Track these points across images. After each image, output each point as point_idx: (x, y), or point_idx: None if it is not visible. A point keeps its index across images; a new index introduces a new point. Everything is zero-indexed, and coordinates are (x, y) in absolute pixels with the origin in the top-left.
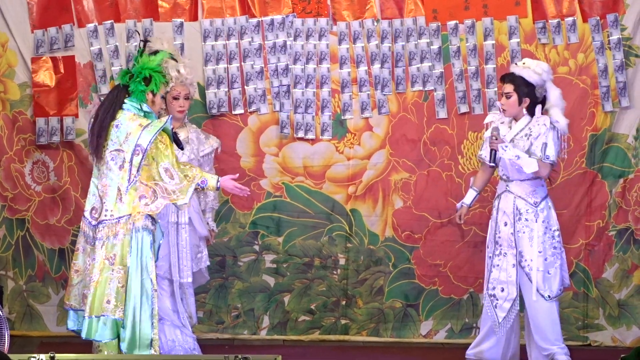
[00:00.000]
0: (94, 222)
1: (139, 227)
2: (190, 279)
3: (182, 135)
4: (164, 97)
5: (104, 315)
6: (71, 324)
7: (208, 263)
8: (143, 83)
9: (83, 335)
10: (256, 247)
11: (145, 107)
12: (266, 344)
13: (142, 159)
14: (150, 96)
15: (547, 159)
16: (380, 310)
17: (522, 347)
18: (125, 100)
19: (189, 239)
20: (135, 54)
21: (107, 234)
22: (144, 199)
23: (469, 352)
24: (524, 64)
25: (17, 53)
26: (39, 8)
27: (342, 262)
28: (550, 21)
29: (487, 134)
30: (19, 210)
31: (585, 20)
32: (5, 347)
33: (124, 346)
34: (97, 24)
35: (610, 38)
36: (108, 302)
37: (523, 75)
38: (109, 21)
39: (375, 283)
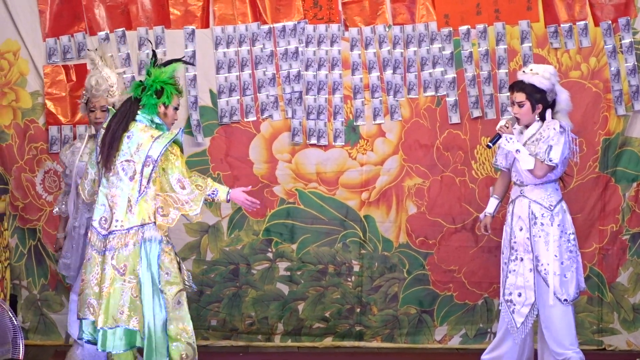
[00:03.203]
0: (103, 232)
1: (148, 237)
2: None
3: None
4: (176, 109)
5: (118, 326)
6: (83, 333)
7: None
8: (155, 96)
9: (99, 347)
10: (270, 255)
11: (157, 120)
12: (280, 351)
13: (152, 170)
14: (162, 109)
15: (550, 161)
16: (394, 316)
17: (535, 351)
18: (138, 112)
19: None
20: (147, 66)
21: (117, 245)
22: (160, 210)
23: (484, 357)
24: (531, 70)
25: (29, 61)
26: (51, 16)
27: (356, 268)
28: (562, 25)
29: (502, 122)
30: (30, 220)
31: (597, 24)
32: (20, 356)
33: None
34: (108, 31)
35: (622, 42)
36: (121, 312)
37: (533, 83)
38: (121, 29)
39: (390, 290)
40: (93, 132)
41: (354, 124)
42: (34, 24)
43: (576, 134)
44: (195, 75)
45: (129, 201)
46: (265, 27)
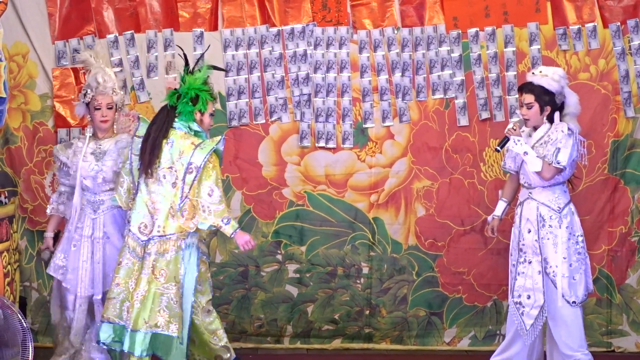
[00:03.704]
0: (143, 238)
1: (188, 243)
2: (100, 296)
3: (104, 147)
4: (212, 115)
5: (154, 332)
6: (104, 336)
7: None
8: (190, 103)
9: (125, 348)
10: (279, 257)
11: (195, 127)
12: (290, 353)
13: (195, 177)
14: (198, 115)
15: (558, 163)
16: (404, 319)
17: (544, 353)
18: (175, 120)
19: (107, 255)
20: (181, 73)
21: (158, 250)
22: (185, 213)
23: (493, 359)
24: (540, 72)
25: (37, 64)
26: (60, 19)
27: (365, 270)
28: (570, 27)
29: (510, 125)
30: (39, 222)
31: (605, 26)
32: (30, 358)
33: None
34: (117, 34)
35: (631, 43)
36: (161, 317)
37: (542, 85)
38: (130, 31)
39: (399, 292)
40: (91, 132)
41: (363, 126)
42: (43, 26)
43: (585, 136)
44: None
45: (171, 207)
46: (274, 30)
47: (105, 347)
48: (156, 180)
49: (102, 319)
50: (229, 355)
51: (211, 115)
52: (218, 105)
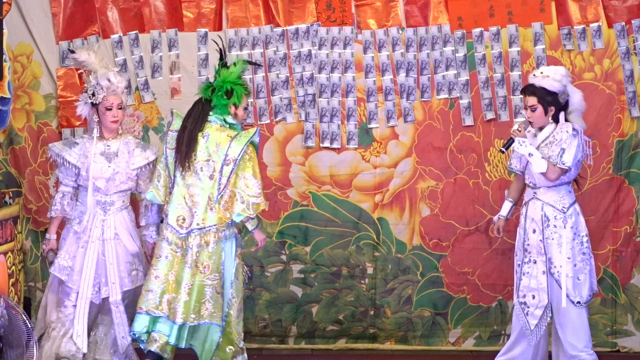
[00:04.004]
0: (182, 231)
1: (227, 235)
2: (119, 297)
3: (112, 148)
4: (246, 109)
5: (200, 323)
6: (140, 327)
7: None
8: (225, 97)
9: (172, 341)
10: (283, 257)
11: (230, 119)
12: (294, 353)
13: (232, 169)
14: (232, 109)
15: (563, 164)
16: (408, 319)
17: (549, 353)
18: (210, 113)
19: (119, 256)
20: (216, 67)
21: (200, 243)
22: (223, 204)
23: (498, 359)
24: (542, 73)
25: (42, 64)
26: (64, 19)
27: (369, 271)
28: (575, 27)
29: (515, 126)
30: (44, 223)
31: (610, 25)
32: (34, 358)
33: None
34: (121, 34)
35: (636, 43)
36: (206, 309)
37: (544, 86)
38: (134, 32)
39: (404, 292)
40: (98, 132)
41: (367, 126)
42: (47, 27)
43: (590, 136)
44: (208, 78)
45: (209, 200)
46: (279, 30)
47: (135, 337)
48: (193, 173)
49: (138, 310)
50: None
51: (245, 109)
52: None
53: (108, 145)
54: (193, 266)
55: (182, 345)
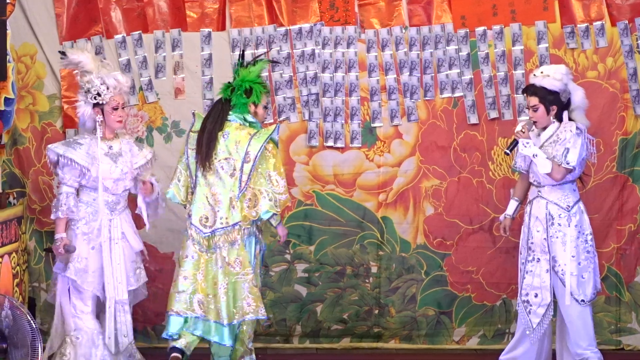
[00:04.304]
0: (206, 231)
1: (250, 232)
2: (125, 296)
3: (115, 148)
4: (266, 107)
5: (245, 319)
6: (175, 329)
7: (146, 279)
8: (244, 95)
9: (225, 341)
10: (288, 257)
11: (249, 118)
12: (299, 352)
13: (252, 166)
14: (252, 107)
15: (568, 164)
16: (413, 318)
17: (553, 351)
18: (230, 112)
19: (125, 255)
20: (236, 67)
21: (226, 240)
22: (247, 202)
23: (502, 357)
24: (542, 72)
25: (45, 65)
26: (67, 20)
27: (374, 270)
28: (578, 26)
29: (519, 127)
30: (48, 223)
31: (613, 24)
32: (39, 359)
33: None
34: (125, 34)
35: (639, 41)
36: (247, 305)
37: (545, 85)
38: (137, 32)
39: (408, 291)
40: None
41: (371, 125)
42: (50, 27)
43: (593, 134)
44: (211, 78)
45: (232, 198)
46: (282, 30)
47: (170, 339)
48: (214, 173)
49: (169, 312)
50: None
51: (265, 107)
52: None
53: (110, 146)
54: (225, 266)
55: (230, 343)
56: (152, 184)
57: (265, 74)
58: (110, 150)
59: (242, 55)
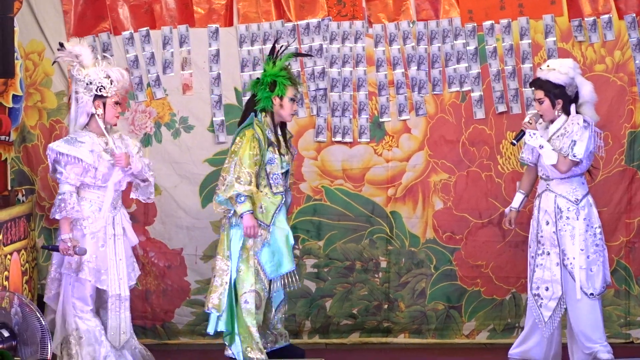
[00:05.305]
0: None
1: (233, 222)
2: (128, 292)
3: (109, 144)
4: (293, 100)
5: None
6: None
7: (139, 272)
8: (268, 89)
9: None
10: (297, 252)
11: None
12: (309, 348)
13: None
14: (277, 101)
15: (574, 156)
16: (422, 312)
17: (563, 345)
18: (255, 108)
19: (126, 251)
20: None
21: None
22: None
23: (512, 351)
24: (548, 66)
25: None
26: (75, 16)
27: (383, 265)
28: (586, 19)
29: (526, 119)
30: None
31: (621, 17)
32: (48, 356)
33: None
34: (132, 31)
35: None
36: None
37: (550, 79)
38: (145, 28)
39: (417, 286)
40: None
41: (379, 120)
42: (58, 24)
43: (601, 128)
44: (219, 74)
45: None
46: (290, 25)
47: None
48: None
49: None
50: None
51: (292, 100)
52: (236, 101)
53: (105, 142)
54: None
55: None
56: (128, 155)
57: (297, 68)
58: (107, 147)
59: (272, 49)
